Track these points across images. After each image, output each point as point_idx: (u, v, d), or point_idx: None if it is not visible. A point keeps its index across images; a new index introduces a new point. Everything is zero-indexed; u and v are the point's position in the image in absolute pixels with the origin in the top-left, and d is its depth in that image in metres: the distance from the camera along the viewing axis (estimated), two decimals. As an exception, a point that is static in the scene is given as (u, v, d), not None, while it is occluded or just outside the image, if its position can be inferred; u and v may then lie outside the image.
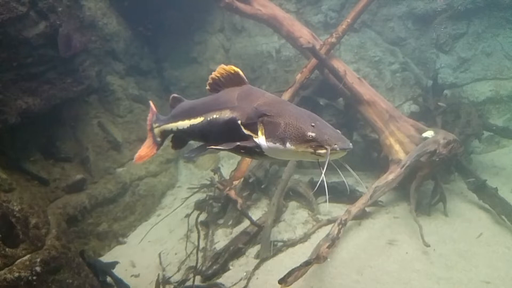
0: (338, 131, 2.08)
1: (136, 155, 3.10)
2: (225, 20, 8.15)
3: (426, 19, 7.92)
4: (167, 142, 3.12)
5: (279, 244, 5.00)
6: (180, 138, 2.95)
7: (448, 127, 6.17)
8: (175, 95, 3.03)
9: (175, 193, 6.52)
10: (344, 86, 6.14)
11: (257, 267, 4.62)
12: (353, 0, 7.32)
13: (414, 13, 7.96)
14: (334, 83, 6.32)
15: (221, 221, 5.51)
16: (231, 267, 4.73)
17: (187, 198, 5.81)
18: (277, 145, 2.05)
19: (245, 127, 2.20)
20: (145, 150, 3.12)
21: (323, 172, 1.93)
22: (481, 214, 5.30)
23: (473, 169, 5.95)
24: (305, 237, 5.09)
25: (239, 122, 2.23)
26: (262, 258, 4.73)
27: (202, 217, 5.64)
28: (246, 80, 2.43)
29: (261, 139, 2.10)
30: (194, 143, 2.92)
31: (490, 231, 4.93)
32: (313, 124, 2.04)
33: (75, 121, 5.33)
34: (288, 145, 2.01)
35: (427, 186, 5.70)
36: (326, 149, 1.94)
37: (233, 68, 2.42)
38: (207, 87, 2.56)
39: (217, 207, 5.67)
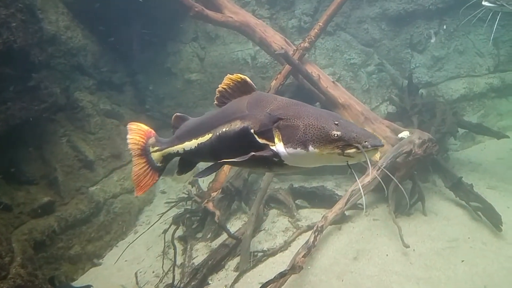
0: (364, 128, 1.92)
1: (136, 187, 2.66)
2: (199, 29, 8.08)
3: (399, 19, 7.99)
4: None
5: (259, 254, 4.92)
6: (187, 161, 2.67)
7: (425, 126, 6.19)
8: (178, 114, 2.77)
9: (153, 209, 6.38)
10: (318, 90, 6.12)
11: (236, 280, 4.54)
12: (326, 3, 7.35)
13: (387, 14, 8.03)
14: (310, 88, 6.30)
15: (199, 235, 5.39)
16: (210, 282, 4.63)
17: (164, 213, 5.68)
18: (298, 150, 1.84)
19: (259, 136, 1.98)
20: (143, 178, 2.65)
21: (370, 170, 1.77)
22: (458, 211, 5.31)
23: (450, 167, 5.98)
24: (285, 245, 5.02)
25: (252, 131, 2.01)
26: (241, 271, 4.64)
27: (181, 231, 5.52)
28: (255, 86, 2.27)
29: (278, 146, 1.89)
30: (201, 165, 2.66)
31: (467, 228, 4.94)
32: (336, 122, 1.84)
33: (41, 141, 5.14)
34: (311, 148, 1.81)
35: (406, 186, 5.70)
36: (356, 147, 1.74)
37: (239, 76, 2.24)
38: (215, 102, 2.36)
39: (195, 220, 5.55)
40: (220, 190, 5.61)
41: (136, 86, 7.81)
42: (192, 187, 6.13)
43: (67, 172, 5.38)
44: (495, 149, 6.82)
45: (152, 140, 2.72)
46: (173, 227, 5.43)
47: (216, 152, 2.26)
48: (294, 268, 3.83)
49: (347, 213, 5.37)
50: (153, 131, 2.78)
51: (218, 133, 2.22)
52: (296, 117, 1.91)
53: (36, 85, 4.77)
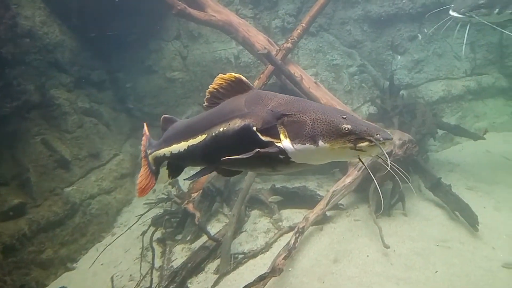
0: (370, 122, 1.84)
1: (138, 189, 2.75)
2: (181, 27, 7.96)
3: (380, 22, 8.07)
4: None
5: (240, 256, 4.85)
6: (175, 165, 2.60)
7: (405, 127, 6.26)
8: (166, 115, 2.71)
9: (132, 210, 6.22)
10: (301, 91, 6.11)
11: (216, 283, 4.47)
12: (310, 4, 7.35)
13: (369, 16, 8.09)
14: (293, 89, 6.27)
15: (179, 237, 5.28)
16: (189, 285, 4.54)
17: (142, 214, 5.54)
18: (307, 145, 1.76)
19: (263, 134, 1.89)
20: (144, 181, 2.73)
21: (388, 165, 1.67)
22: (437, 211, 5.38)
23: (430, 167, 6.06)
24: (266, 247, 4.98)
25: (254, 128, 1.91)
26: (221, 273, 4.57)
27: (160, 233, 5.40)
28: (251, 85, 2.17)
29: (285, 143, 1.81)
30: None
31: (446, 228, 5.01)
32: (344, 116, 1.78)
33: (12, 140, 4.91)
34: (321, 143, 1.74)
35: (387, 186, 5.74)
36: (369, 140, 1.68)
37: (233, 75, 2.17)
38: (205, 103, 2.26)
39: (175, 222, 5.44)
40: (201, 191, 5.51)
41: (116, 83, 7.62)
42: (172, 188, 6.02)
43: (41, 172, 5.17)
44: (472, 150, 6.97)
45: (147, 142, 2.79)
46: (152, 228, 5.29)
47: (211, 154, 2.14)
48: (274, 271, 3.78)
49: (328, 213, 5.37)
50: (148, 133, 2.83)
51: (213, 134, 2.10)
52: (302, 112, 1.84)
53: (9, 82, 4.56)
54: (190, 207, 5.21)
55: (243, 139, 1.94)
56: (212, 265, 4.79)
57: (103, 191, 5.90)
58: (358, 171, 5.16)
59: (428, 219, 5.26)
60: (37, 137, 5.29)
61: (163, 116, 2.71)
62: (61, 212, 5.02)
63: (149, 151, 2.72)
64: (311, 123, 1.78)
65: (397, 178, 2.11)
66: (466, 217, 4.97)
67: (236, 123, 1.99)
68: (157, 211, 5.88)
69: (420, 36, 7.69)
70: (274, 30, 7.98)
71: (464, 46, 5.37)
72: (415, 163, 5.81)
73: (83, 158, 5.88)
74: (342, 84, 7.83)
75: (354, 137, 1.71)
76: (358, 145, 1.71)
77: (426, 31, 7.66)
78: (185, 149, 2.31)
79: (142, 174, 2.75)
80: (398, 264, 4.51)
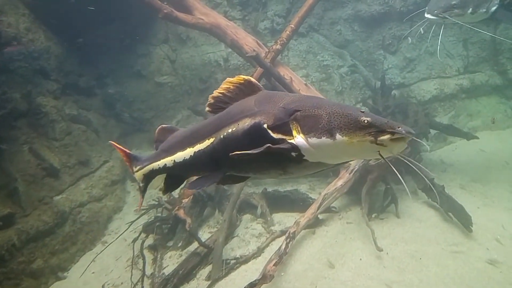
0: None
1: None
2: (169, 30, 7.89)
3: (371, 21, 8.04)
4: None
5: (232, 262, 4.79)
6: (175, 177, 2.43)
7: (397, 127, 6.20)
8: (164, 125, 2.57)
9: (123, 217, 6.13)
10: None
11: (208, 289, 4.39)
12: (299, 5, 7.30)
13: (360, 15, 8.06)
14: (283, 91, 6.22)
15: (170, 243, 5.21)
16: (180, 293, 4.46)
17: (133, 221, 5.47)
18: (324, 139, 1.66)
19: (274, 131, 1.79)
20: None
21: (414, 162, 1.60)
22: (430, 213, 5.33)
23: (423, 168, 5.99)
24: (258, 252, 4.92)
25: (265, 126, 1.81)
26: (213, 280, 4.50)
27: (151, 240, 5.33)
28: (261, 86, 2.09)
29: (298, 139, 1.71)
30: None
31: (439, 229, 4.96)
32: (362, 110, 1.70)
33: (-1, 150, 4.85)
34: (338, 136, 1.63)
35: (380, 188, 5.69)
36: (391, 133, 1.59)
37: (241, 77, 2.07)
38: (207, 109, 2.15)
39: (166, 228, 5.37)
40: (192, 197, 5.45)
41: (105, 89, 7.54)
42: (163, 194, 5.94)
43: (29, 181, 5.08)
44: (466, 150, 6.93)
45: (134, 160, 2.60)
46: (143, 235, 5.22)
47: (219, 159, 2.03)
48: (265, 278, 3.72)
49: (320, 216, 5.32)
50: (131, 153, 2.65)
51: (222, 136, 1.99)
52: (316, 107, 1.74)
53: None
54: (181, 213, 5.14)
55: (254, 138, 1.84)
56: (204, 272, 4.72)
57: (93, 199, 5.81)
58: (349, 174, 5.11)
59: (421, 221, 5.21)
60: (24, 145, 5.20)
61: (160, 127, 2.56)
62: (51, 221, 4.93)
63: (136, 167, 2.54)
64: (327, 117, 1.68)
65: (397, 179, 2.02)
66: (460, 218, 4.92)
67: (246, 122, 1.90)
68: (148, 217, 5.81)
69: (410, 40, 7.66)
70: (263, 32, 7.94)
71: (438, 48, 5.36)
72: (407, 164, 5.76)
73: (72, 165, 5.79)
74: (333, 85, 7.78)
75: (375, 130, 1.62)
76: (378, 139, 1.61)
77: (410, 39, 7.63)
78: (191, 155, 2.17)
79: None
80: (392, 267, 4.46)
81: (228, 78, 2.11)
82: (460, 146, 7.09)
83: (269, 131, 1.80)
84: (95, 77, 7.12)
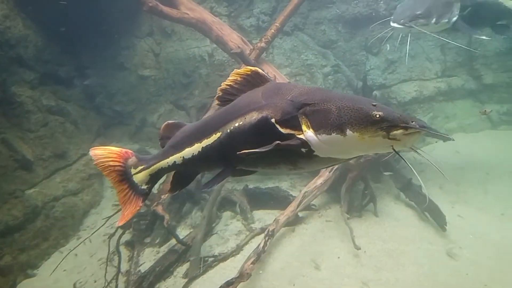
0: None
1: (120, 219, 2.26)
2: (154, 24, 7.76)
3: (355, 22, 8.12)
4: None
5: (210, 259, 4.75)
6: (184, 174, 2.32)
7: (378, 127, 6.29)
8: (171, 121, 2.40)
9: (100, 211, 5.99)
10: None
11: (185, 287, 4.34)
12: (285, 3, 7.29)
13: (344, 16, 8.13)
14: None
15: (148, 240, 5.13)
16: (157, 290, 4.39)
17: (110, 216, 5.33)
18: (334, 135, 1.61)
19: (282, 125, 1.74)
20: (127, 207, 2.26)
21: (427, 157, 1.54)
22: (408, 212, 5.45)
23: (401, 168, 6.12)
24: (237, 250, 4.90)
25: (273, 120, 1.76)
26: (190, 277, 4.46)
27: (128, 236, 5.23)
28: (269, 76, 2.02)
29: (308, 134, 1.66)
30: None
31: (416, 228, 5.08)
32: (373, 103, 1.63)
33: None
34: (349, 132, 1.58)
35: (360, 187, 5.76)
36: (404, 128, 1.54)
37: (248, 68, 2.02)
38: (216, 102, 2.09)
39: (144, 224, 5.28)
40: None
41: (85, 80, 7.33)
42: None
43: (0, 173, 4.89)
44: (443, 151, 7.10)
45: (132, 160, 2.31)
46: (119, 231, 5.11)
47: (227, 154, 1.98)
48: (242, 276, 3.71)
49: (301, 214, 5.35)
50: (130, 151, 2.35)
51: (229, 130, 1.95)
52: (325, 100, 1.69)
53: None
54: (160, 209, 5.06)
55: (261, 133, 1.79)
56: (181, 269, 4.67)
57: (69, 193, 5.65)
58: (329, 172, 5.15)
59: (399, 220, 5.31)
60: (-4, 136, 5.01)
61: (165, 123, 2.40)
62: (21, 215, 4.76)
63: (140, 167, 2.30)
64: (337, 111, 1.63)
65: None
66: (435, 218, 5.05)
67: (253, 116, 1.85)
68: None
69: (388, 47, 7.78)
70: (249, 29, 7.90)
71: (407, 55, 5.51)
72: (387, 163, 5.87)
73: (47, 158, 5.61)
74: (316, 84, 7.82)
75: (387, 124, 1.56)
76: (391, 134, 1.56)
77: (388, 46, 7.76)
78: (199, 151, 2.11)
79: (123, 200, 2.26)
80: (369, 265, 4.53)
81: (235, 70, 2.07)
82: (437, 147, 7.26)
83: (277, 126, 1.76)
84: (75, 67, 6.92)
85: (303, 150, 1.70)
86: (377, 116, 1.57)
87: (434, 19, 4.84)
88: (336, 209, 5.55)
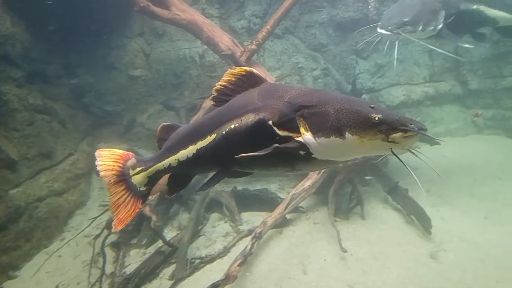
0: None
1: (115, 223, 2.19)
2: (145, 24, 7.72)
3: (345, 26, 8.18)
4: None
5: (197, 261, 4.73)
6: (180, 176, 2.30)
7: (366, 131, 6.34)
8: (166, 123, 2.39)
9: (86, 212, 5.91)
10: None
11: (171, 289, 4.30)
12: (276, 6, 7.32)
13: (334, 20, 8.19)
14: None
15: (134, 241, 5.08)
16: (142, 292, 4.35)
17: (96, 217, 5.28)
18: (333, 138, 1.61)
19: (280, 128, 1.74)
20: (123, 210, 2.18)
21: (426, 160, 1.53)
22: (394, 215, 5.49)
23: (388, 171, 6.18)
24: (224, 251, 4.88)
25: (270, 122, 1.75)
26: (176, 279, 4.44)
27: (114, 237, 5.17)
28: (264, 77, 2.00)
29: (306, 136, 1.66)
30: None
31: (402, 231, 5.12)
32: (372, 106, 1.63)
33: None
34: (348, 135, 1.59)
35: (347, 189, 5.79)
36: (403, 130, 1.55)
37: (243, 68, 2.00)
38: (212, 103, 2.08)
39: (130, 225, 5.22)
40: (158, 194, 5.33)
41: (74, 79, 7.25)
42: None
43: (-18, 174, 4.81)
44: (429, 155, 7.13)
45: (131, 162, 2.28)
46: (105, 232, 5.05)
47: (222, 156, 1.96)
48: (228, 278, 3.70)
49: (288, 216, 5.35)
50: (131, 153, 2.34)
51: (224, 132, 1.93)
52: (323, 102, 1.68)
53: None
54: (147, 210, 5.02)
55: (258, 136, 1.78)
56: (168, 271, 4.64)
57: (54, 193, 5.56)
58: (317, 174, 5.17)
59: (385, 223, 5.35)
60: (-21, 135, 4.92)
61: (161, 125, 2.38)
62: (3, 216, 4.66)
63: (138, 169, 2.27)
64: (335, 114, 1.63)
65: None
66: (421, 221, 5.10)
67: (249, 118, 1.83)
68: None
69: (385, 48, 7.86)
70: (240, 31, 7.91)
71: (395, 62, 5.58)
72: (374, 166, 5.92)
73: (33, 157, 5.52)
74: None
75: (386, 127, 1.57)
76: (390, 137, 1.58)
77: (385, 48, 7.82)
78: (193, 153, 2.09)
79: (118, 202, 2.18)
80: (355, 268, 4.55)
81: (229, 70, 2.06)
82: (424, 151, 7.24)
83: (275, 128, 1.75)
84: (64, 66, 6.84)
85: (301, 152, 1.71)
86: (376, 118, 1.58)
87: (420, 27, 4.90)
88: (324, 211, 5.58)
